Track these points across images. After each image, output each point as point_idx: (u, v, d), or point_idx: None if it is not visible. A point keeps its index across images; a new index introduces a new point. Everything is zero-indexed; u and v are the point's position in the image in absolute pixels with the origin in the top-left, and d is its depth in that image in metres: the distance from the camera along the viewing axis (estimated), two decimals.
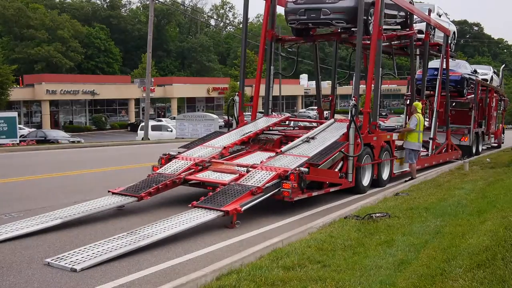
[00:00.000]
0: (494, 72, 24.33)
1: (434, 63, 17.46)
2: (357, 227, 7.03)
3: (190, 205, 7.63)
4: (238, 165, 9.20)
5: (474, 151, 19.67)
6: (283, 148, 9.63)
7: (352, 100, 10.30)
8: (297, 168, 8.40)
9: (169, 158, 9.80)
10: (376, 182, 11.19)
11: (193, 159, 9.60)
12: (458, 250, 5.62)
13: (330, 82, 17.58)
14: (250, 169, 8.73)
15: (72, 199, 9.09)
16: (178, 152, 10.20)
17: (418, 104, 12.80)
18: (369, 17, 11.31)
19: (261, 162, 9.02)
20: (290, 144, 9.85)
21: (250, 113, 13.18)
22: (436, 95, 15.53)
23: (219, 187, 8.16)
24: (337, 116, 14.77)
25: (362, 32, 10.90)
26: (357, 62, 10.69)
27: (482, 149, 21.46)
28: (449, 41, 16.44)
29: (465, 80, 18.40)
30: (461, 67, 18.80)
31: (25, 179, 11.68)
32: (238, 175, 8.65)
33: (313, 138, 10.21)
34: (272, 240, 6.46)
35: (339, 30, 12.76)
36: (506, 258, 4.94)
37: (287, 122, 13.67)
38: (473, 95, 19.20)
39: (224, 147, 10.14)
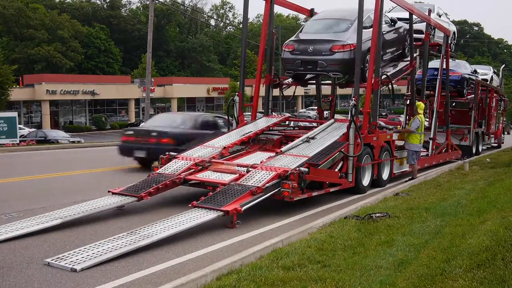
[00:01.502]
0: (494, 72, 24.34)
1: (434, 63, 17.46)
2: (357, 227, 7.02)
3: (190, 205, 7.63)
4: (238, 165, 9.20)
5: (474, 151, 19.68)
6: (283, 148, 9.63)
7: (352, 100, 10.31)
8: (297, 168, 8.40)
9: (169, 158, 9.80)
10: (376, 182, 11.20)
11: (193, 159, 9.60)
12: (458, 250, 5.62)
13: (330, 82, 17.57)
14: (250, 169, 8.73)
15: (72, 199, 9.09)
16: (178, 152, 10.20)
17: (420, 104, 12.79)
18: (366, 64, 11.21)
19: (261, 162, 9.02)
20: (290, 144, 9.85)
21: (250, 113, 13.19)
22: (436, 95, 15.54)
23: (219, 187, 8.16)
24: (337, 116, 14.78)
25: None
26: (357, 62, 10.68)
27: (482, 149, 21.46)
28: (449, 41, 16.44)
29: (465, 80, 18.41)
30: (461, 67, 18.81)
31: (25, 179, 11.68)
32: (238, 175, 8.65)
33: (313, 138, 10.22)
34: (272, 240, 6.46)
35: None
36: (506, 258, 4.93)
37: (287, 122, 13.67)
38: (473, 95, 19.21)
39: (224, 147, 10.14)
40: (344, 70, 11.26)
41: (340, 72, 11.37)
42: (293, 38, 12.09)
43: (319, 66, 11.21)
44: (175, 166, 9.39)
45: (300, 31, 12.29)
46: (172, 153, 10.05)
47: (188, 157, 9.72)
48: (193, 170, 9.22)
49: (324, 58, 11.13)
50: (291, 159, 9.08)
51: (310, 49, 11.32)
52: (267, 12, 12.64)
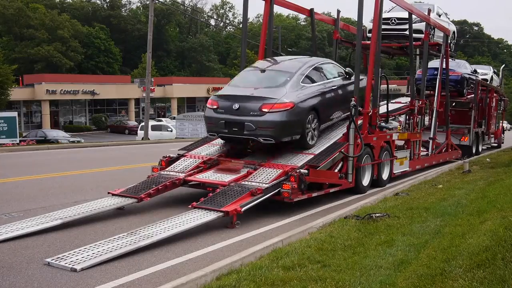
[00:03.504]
0: (494, 72, 24.35)
1: (434, 63, 17.47)
2: (357, 227, 7.03)
3: (190, 206, 7.63)
4: (246, 163, 9.27)
5: (474, 151, 19.68)
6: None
7: (351, 100, 10.31)
8: (297, 170, 8.45)
9: (169, 160, 9.80)
10: (376, 182, 11.20)
11: (201, 157, 9.68)
12: (458, 250, 5.62)
13: None
14: (258, 166, 8.88)
15: (72, 199, 9.10)
16: (178, 154, 10.17)
17: None
18: (308, 125, 9.54)
19: (268, 160, 9.17)
20: None
21: None
22: (436, 95, 15.54)
23: (219, 188, 8.18)
24: None
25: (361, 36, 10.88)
26: (356, 62, 10.68)
27: (482, 149, 21.47)
28: (449, 41, 16.44)
29: (465, 80, 18.42)
30: (461, 67, 18.81)
31: (25, 179, 11.67)
32: (241, 174, 8.78)
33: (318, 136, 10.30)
34: (272, 240, 6.47)
35: None
36: (506, 258, 4.94)
37: None
38: (473, 95, 19.21)
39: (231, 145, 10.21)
40: (278, 135, 8.93)
41: (273, 138, 8.94)
42: (218, 92, 10.15)
43: (247, 129, 8.96)
44: (184, 165, 9.46)
45: (229, 84, 10.30)
46: (172, 155, 10.05)
47: (197, 155, 9.77)
48: (202, 168, 9.32)
49: (252, 120, 8.92)
50: (299, 156, 9.24)
51: (235, 106, 9.10)
52: (267, 12, 12.61)
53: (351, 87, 10.86)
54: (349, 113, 10.39)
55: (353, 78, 10.87)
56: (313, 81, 9.84)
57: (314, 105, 9.52)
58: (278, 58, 11.43)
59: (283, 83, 9.34)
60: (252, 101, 9.07)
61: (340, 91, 10.65)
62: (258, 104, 8.96)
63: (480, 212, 7.79)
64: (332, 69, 10.89)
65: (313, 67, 10.11)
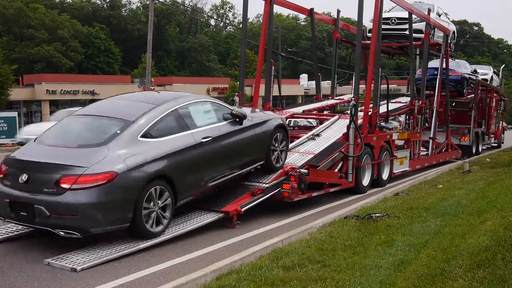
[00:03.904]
0: (494, 72, 24.34)
1: (434, 63, 17.48)
2: (357, 227, 7.03)
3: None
4: None
5: (474, 151, 19.68)
6: (290, 146, 9.67)
7: (351, 100, 10.33)
8: (297, 170, 8.44)
9: None
10: (376, 182, 11.20)
11: None
12: (458, 250, 5.62)
13: (330, 82, 17.64)
14: (258, 167, 8.81)
15: None
16: None
17: None
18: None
19: None
20: (296, 142, 10.00)
21: None
22: (436, 95, 15.54)
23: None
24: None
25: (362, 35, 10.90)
26: (356, 62, 10.70)
27: (482, 149, 21.47)
28: (449, 41, 16.46)
29: (465, 80, 18.42)
30: (461, 67, 18.80)
31: None
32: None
33: (318, 135, 10.33)
34: (272, 240, 6.47)
35: None
36: (506, 258, 4.93)
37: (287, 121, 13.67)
38: (473, 95, 19.21)
39: None
40: (86, 226, 5.80)
41: (78, 231, 5.81)
42: (13, 153, 6.71)
43: (38, 215, 5.77)
44: None
45: (37, 137, 6.85)
46: None
47: None
48: None
49: (45, 200, 5.76)
50: (298, 156, 9.28)
51: (23, 178, 5.96)
52: (267, 12, 12.61)
53: (244, 135, 7.81)
54: (243, 172, 8.01)
55: (245, 122, 7.87)
56: (167, 133, 6.64)
57: (162, 170, 6.27)
58: (143, 95, 8.73)
59: (107, 139, 6.17)
60: (47, 170, 5.93)
61: (223, 142, 7.35)
62: (54, 176, 5.78)
63: (480, 212, 7.79)
64: (210, 112, 7.56)
65: (170, 110, 6.81)
